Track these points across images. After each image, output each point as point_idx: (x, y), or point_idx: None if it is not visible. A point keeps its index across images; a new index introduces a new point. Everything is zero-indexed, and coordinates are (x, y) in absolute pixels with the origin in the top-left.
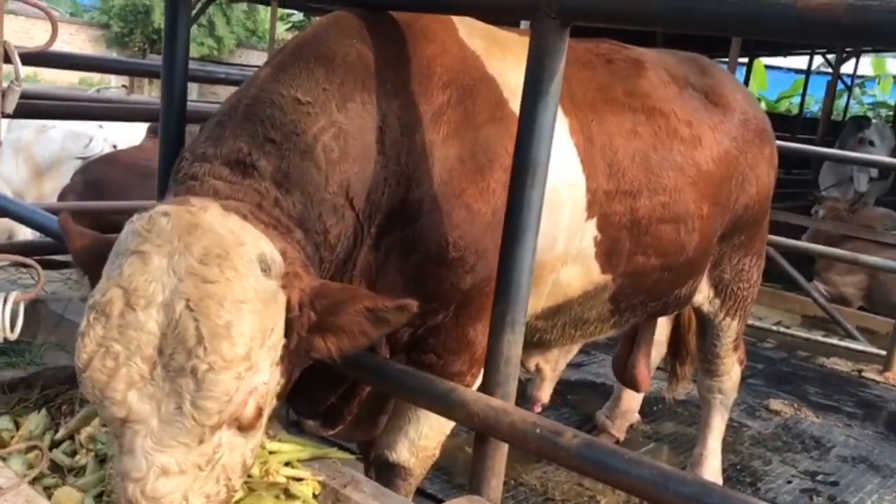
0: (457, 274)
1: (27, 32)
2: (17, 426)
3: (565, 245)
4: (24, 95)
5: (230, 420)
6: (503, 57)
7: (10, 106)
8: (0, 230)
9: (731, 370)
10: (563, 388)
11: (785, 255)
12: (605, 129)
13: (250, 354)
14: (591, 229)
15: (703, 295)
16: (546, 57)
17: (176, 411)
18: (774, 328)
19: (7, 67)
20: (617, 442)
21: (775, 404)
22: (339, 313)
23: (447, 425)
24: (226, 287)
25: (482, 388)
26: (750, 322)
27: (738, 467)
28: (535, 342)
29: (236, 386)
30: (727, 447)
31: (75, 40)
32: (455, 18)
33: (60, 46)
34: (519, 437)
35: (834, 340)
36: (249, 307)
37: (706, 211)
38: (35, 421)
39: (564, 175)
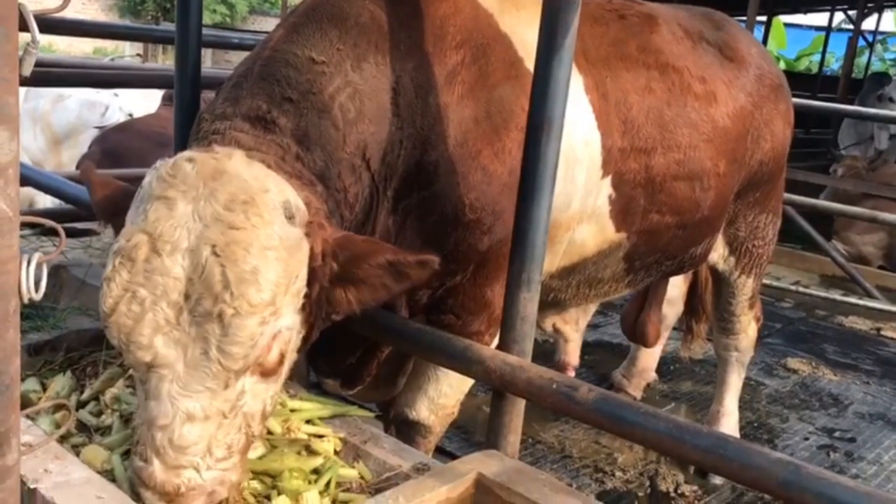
0: (474, 235)
1: (41, 2)
2: (44, 388)
3: (581, 203)
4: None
5: (254, 365)
6: (517, 14)
7: (28, 69)
8: (21, 198)
9: (748, 328)
10: (580, 349)
11: (803, 215)
12: (619, 85)
13: (275, 300)
14: (606, 187)
15: (718, 253)
16: (560, 12)
17: (202, 356)
18: (793, 288)
19: (23, 34)
20: (634, 401)
21: (793, 363)
22: (362, 265)
23: (466, 384)
24: (251, 233)
25: (499, 346)
26: (768, 282)
27: (756, 425)
28: (550, 301)
29: (261, 331)
30: (745, 405)
31: (88, 10)
32: None
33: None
34: (535, 392)
35: (853, 299)
36: (274, 254)
37: (722, 168)
38: (61, 382)
39: (580, 132)
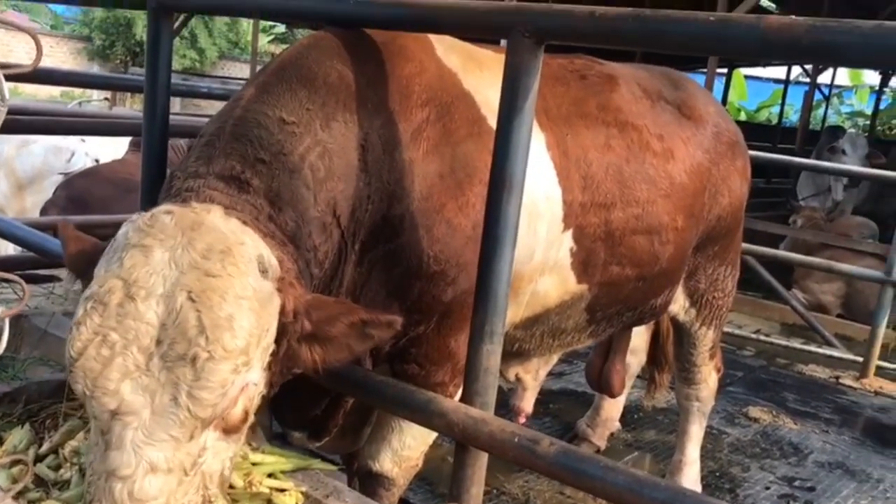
0: (438, 286)
1: (7, 45)
2: (1, 441)
3: (543, 256)
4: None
5: (219, 419)
6: (480, 73)
7: None
8: None
9: (708, 378)
10: (544, 397)
11: (764, 264)
12: (579, 142)
13: (248, 349)
14: (567, 240)
15: (679, 304)
16: (521, 75)
17: (170, 402)
18: (754, 336)
19: None
20: (598, 450)
21: (754, 411)
22: (335, 324)
23: (430, 435)
24: (227, 281)
25: (462, 398)
26: (729, 330)
27: (718, 474)
28: (514, 352)
29: (233, 379)
30: (707, 454)
31: (56, 53)
32: (432, 36)
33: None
34: (498, 445)
35: (812, 348)
36: (248, 304)
37: (680, 223)
38: (19, 435)
39: (542, 187)
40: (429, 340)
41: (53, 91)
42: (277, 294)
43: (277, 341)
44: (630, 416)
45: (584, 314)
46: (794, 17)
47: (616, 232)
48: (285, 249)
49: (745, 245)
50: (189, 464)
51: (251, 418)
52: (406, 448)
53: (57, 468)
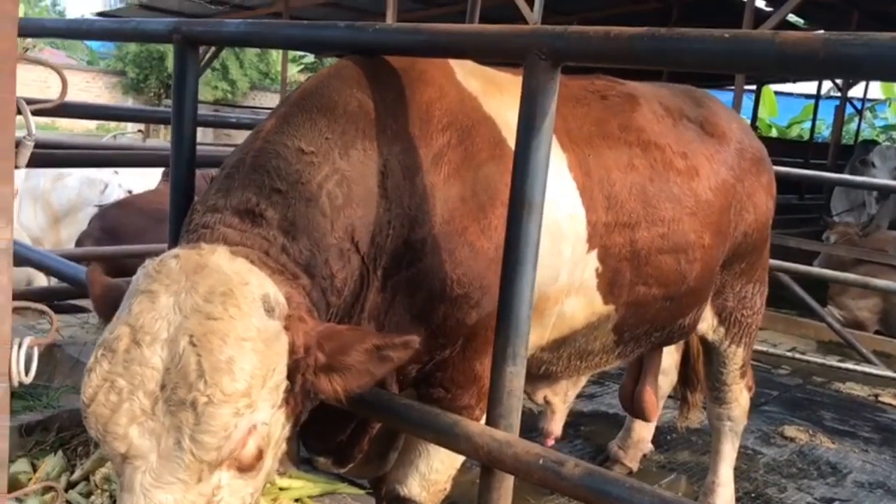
0: (462, 310)
1: (45, 81)
2: (35, 468)
3: (568, 277)
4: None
5: (229, 459)
6: (500, 96)
7: (23, 160)
8: (19, 277)
9: (740, 397)
10: (576, 419)
11: (798, 281)
12: (602, 162)
13: (250, 392)
14: (592, 261)
15: (708, 323)
16: (538, 96)
17: (175, 446)
18: (789, 354)
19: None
20: (630, 472)
21: (790, 431)
22: (350, 352)
23: (457, 459)
24: (229, 324)
25: (487, 421)
26: (764, 349)
27: (753, 495)
28: (542, 374)
29: (235, 422)
30: (741, 475)
31: (92, 87)
32: (452, 61)
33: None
34: (523, 468)
35: (849, 365)
36: (251, 345)
37: (707, 240)
38: (51, 463)
39: (565, 208)
40: (454, 364)
41: (90, 125)
42: (285, 332)
43: (291, 378)
44: (663, 437)
45: (612, 335)
46: (811, 31)
47: (642, 251)
48: (296, 283)
49: (778, 262)
50: (203, 503)
51: (274, 454)
52: (434, 472)
53: (88, 495)
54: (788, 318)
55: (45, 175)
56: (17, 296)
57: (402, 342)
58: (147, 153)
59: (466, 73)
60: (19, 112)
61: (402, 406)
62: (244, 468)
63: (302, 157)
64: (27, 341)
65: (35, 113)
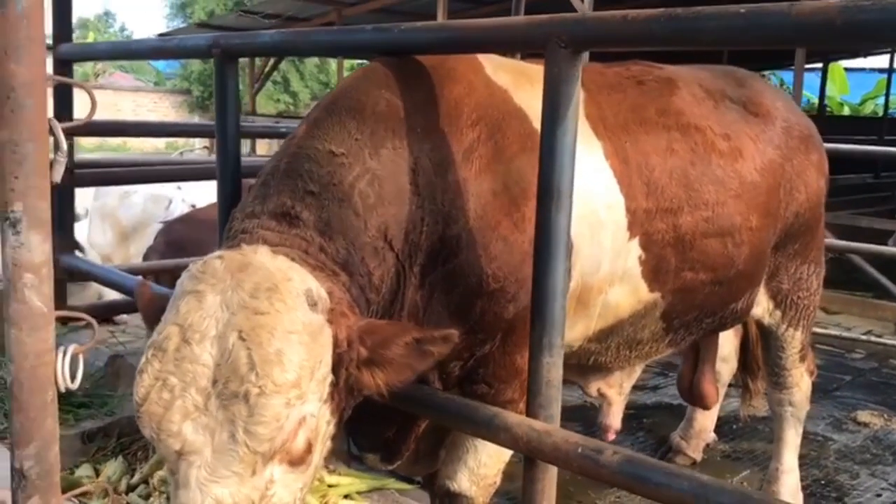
0: (499, 304)
1: (115, 104)
2: (97, 473)
3: (610, 266)
4: (101, 164)
5: (281, 453)
6: (531, 89)
7: (57, 176)
8: (90, 293)
9: (801, 381)
10: (639, 411)
11: (872, 262)
12: (639, 149)
13: (300, 382)
14: (634, 248)
15: (763, 307)
16: (561, 84)
17: (229, 440)
18: (864, 337)
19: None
20: (693, 463)
21: (864, 416)
22: (391, 346)
23: (505, 453)
24: (276, 318)
25: (527, 412)
26: (837, 332)
27: (823, 482)
28: (592, 365)
29: (287, 413)
30: (811, 462)
31: (160, 107)
32: (481, 57)
33: (146, 115)
34: (562, 457)
35: None
36: (298, 337)
37: (755, 222)
38: (112, 467)
39: (602, 197)
40: (495, 359)
41: (158, 143)
42: (328, 325)
43: (335, 371)
44: (728, 426)
45: (660, 322)
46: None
47: (686, 236)
48: (336, 279)
49: (850, 243)
50: (257, 497)
51: (323, 448)
52: (482, 466)
53: (147, 497)
54: (864, 300)
55: (112, 193)
56: (86, 310)
57: (442, 336)
58: (202, 167)
59: (496, 67)
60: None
61: (442, 400)
62: (295, 461)
63: (333, 160)
64: (71, 349)
65: (66, 131)
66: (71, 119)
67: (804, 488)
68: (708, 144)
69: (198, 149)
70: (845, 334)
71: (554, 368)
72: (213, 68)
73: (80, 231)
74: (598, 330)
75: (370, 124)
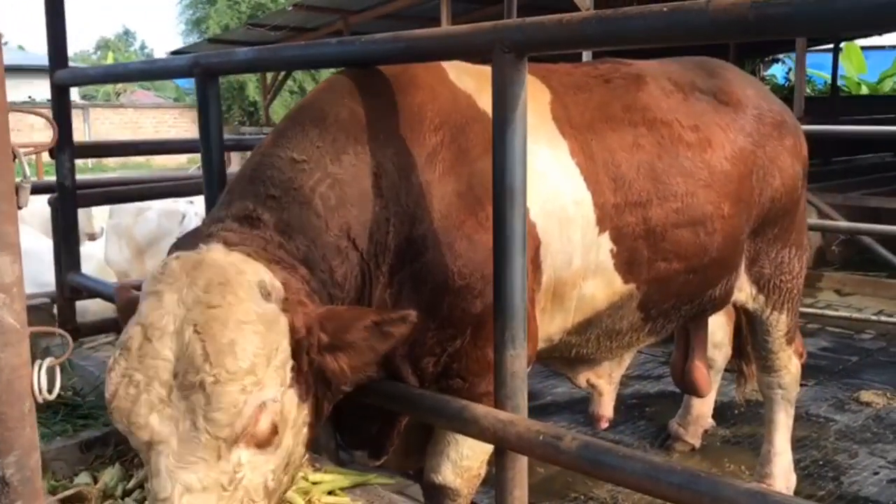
0: (466, 300)
1: (136, 122)
2: (95, 480)
3: (582, 260)
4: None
5: (246, 437)
6: None
7: (24, 201)
8: (106, 307)
9: (789, 364)
10: (641, 400)
11: (883, 242)
12: (605, 145)
13: (255, 370)
14: (605, 242)
15: (746, 293)
16: (507, 88)
17: (192, 428)
18: (874, 318)
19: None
20: (692, 449)
21: (866, 395)
22: (350, 330)
23: (487, 446)
24: (228, 310)
25: (494, 403)
26: (847, 314)
27: (821, 462)
28: (576, 357)
29: (243, 399)
30: (811, 443)
31: (180, 122)
32: (445, 63)
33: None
34: (526, 445)
35: None
36: (251, 327)
37: (727, 210)
38: (110, 474)
39: (570, 194)
40: (467, 353)
41: (181, 159)
42: (284, 314)
43: (297, 357)
44: (727, 411)
45: (638, 313)
46: None
47: (657, 228)
48: (295, 272)
49: (860, 224)
50: (226, 480)
51: (299, 434)
52: (465, 459)
53: (142, 501)
54: (876, 280)
55: (127, 211)
56: (91, 327)
57: (400, 317)
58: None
59: (461, 72)
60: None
61: (416, 395)
62: (261, 444)
63: (295, 166)
64: (46, 362)
65: (28, 155)
66: (71, 144)
67: (802, 469)
68: (675, 137)
69: None
70: (856, 315)
71: (518, 360)
72: (195, 86)
73: (97, 249)
74: (576, 323)
75: (332, 132)
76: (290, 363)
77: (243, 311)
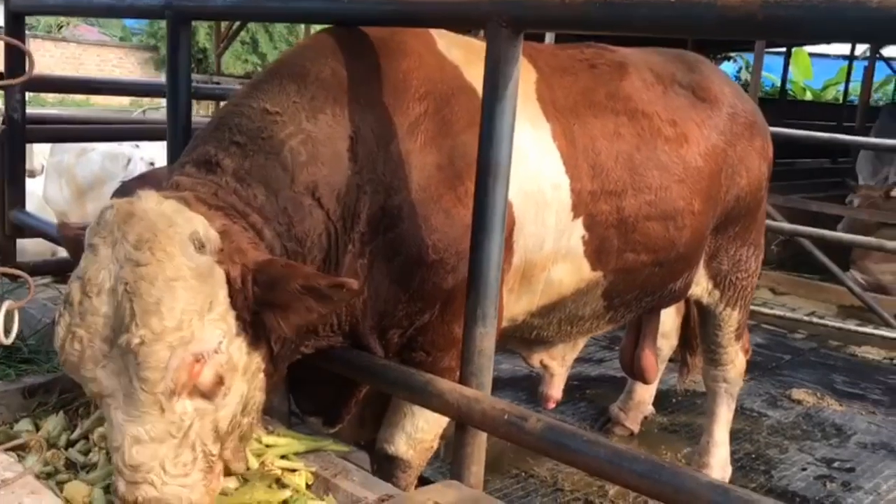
0: (438, 274)
1: (78, 58)
2: (38, 428)
3: (554, 244)
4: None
5: (186, 388)
6: (482, 66)
7: None
8: (42, 249)
9: (736, 359)
10: (583, 383)
11: (821, 246)
12: (587, 131)
13: (182, 326)
14: (578, 228)
15: (702, 287)
16: (501, 64)
17: (129, 384)
18: (806, 318)
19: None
20: (631, 434)
21: (798, 394)
22: (277, 289)
23: (443, 419)
24: (157, 268)
25: (459, 379)
26: (781, 313)
27: (754, 456)
28: (535, 339)
29: (168, 355)
30: (744, 436)
31: (125, 63)
32: (434, 32)
33: (111, 70)
34: (489, 423)
35: (868, 329)
36: (181, 283)
37: (697, 207)
38: (53, 422)
39: (549, 178)
40: (434, 328)
41: (123, 100)
42: (219, 266)
43: (238, 307)
44: (667, 399)
45: (601, 301)
46: None
47: (629, 219)
48: (243, 219)
49: (799, 227)
50: (174, 430)
51: (244, 380)
52: (420, 431)
53: (86, 452)
54: (810, 282)
55: (70, 150)
56: (37, 267)
57: (336, 283)
58: (160, 127)
59: (449, 43)
60: None
61: (380, 366)
62: (207, 394)
63: (266, 116)
64: (6, 305)
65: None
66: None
67: (735, 461)
68: (654, 130)
69: (162, 107)
70: (789, 315)
71: (487, 338)
72: (167, 29)
73: (37, 187)
74: (541, 305)
75: (312, 89)
76: (233, 313)
77: (173, 268)
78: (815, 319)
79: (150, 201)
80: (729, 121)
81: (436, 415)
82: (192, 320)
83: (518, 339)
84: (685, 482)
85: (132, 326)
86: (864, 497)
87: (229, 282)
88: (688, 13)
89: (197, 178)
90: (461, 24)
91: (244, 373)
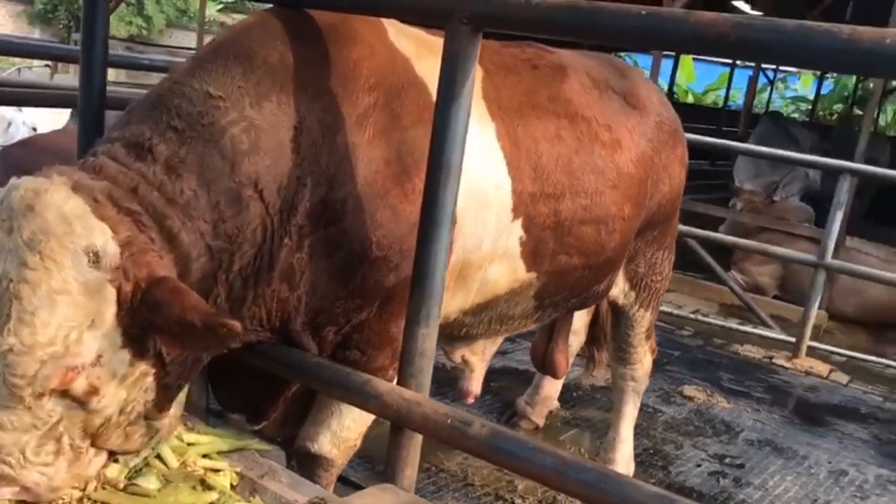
0: (380, 272)
1: None
2: None
3: (492, 244)
4: None
5: (53, 393)
6: (434, 59)
7: None
8: None
9: (644, 359)
10: (486, 375)
11: (705, 246)
12: (530, 133)
13: (56, 341)
14: (516, 229)
15: (620, 288)
16: (459, 61)
17: (1, 379)
18: (692, 316)
19: None
20: (536, 428)
21: (689, 390)
22: (160, 314)
23: (369, 417)
24: (43, 275)
25: (398, 381)
26: (669, 310)
27: (651, 451)
28: (462, 336)
29: (37, 367)
30: (641, 432)
31: None
32: (385, 21)
33: None
34: (431, 427)
35: (748, 328)
36: (65, 298)
37: (627, 212)
38: None
39: (491, 177)
40: (371, 326)
41: None
42: (110, 284)
43: (126, 323)
44: (569, 394)
45: (532, 301)
46: (724, 14)
47: (565, 222)
48: (154, 227)
49: (685, 227)
50: (39, 424)
51: (124, 388)
52: (345, 430)
53: None
54: (694, 281)
55: None
56: None
57: (214, 322)
58: (55, 93)
59: (399, 33)
60: None
61: (314, 365)
62: (79, 399)
63: (208, 101)
64: None
65: None
66: None
67: (636, 457)
68: (592, 134)
69: (36, 66)
70: (676, 312)
71: (428, 339)
72: None
73: None
74: (474, 304)
75: (258, 74)
76: (119, 330)
77: (60, 280)
78: (700, 317)
79: (56, 195)
80: (656, 128)
81: (363, 413)
82: (68, 336)
83: (444, 335)
84: (631, 492)
85: (5, 331)
86: (753, 493)
87: (119, 299)
88: (658, 25)
89: (122, 165)
90: (421, 16)
91: (124, 381)
